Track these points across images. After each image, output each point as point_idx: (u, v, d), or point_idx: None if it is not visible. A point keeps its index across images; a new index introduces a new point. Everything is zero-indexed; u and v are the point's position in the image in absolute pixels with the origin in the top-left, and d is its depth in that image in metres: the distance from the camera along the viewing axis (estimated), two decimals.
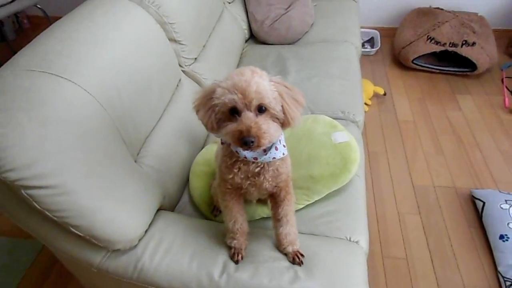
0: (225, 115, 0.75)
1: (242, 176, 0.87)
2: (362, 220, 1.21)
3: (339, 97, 1.67)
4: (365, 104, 2.30)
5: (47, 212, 0.81)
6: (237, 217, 0.93)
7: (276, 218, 0.97)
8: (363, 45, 2.84)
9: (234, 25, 2.02)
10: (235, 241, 0.94)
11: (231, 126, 0.73)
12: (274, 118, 0.76)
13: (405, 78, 2.58)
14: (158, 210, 1.09)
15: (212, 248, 0.98)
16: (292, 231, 0.97)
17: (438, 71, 2.57)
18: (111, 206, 0.89)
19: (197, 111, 0.80)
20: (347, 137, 1.28)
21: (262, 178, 0.87)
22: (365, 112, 2.28)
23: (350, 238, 1.13)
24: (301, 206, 1.19)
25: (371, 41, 2.92)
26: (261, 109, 0.73)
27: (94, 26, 1.07)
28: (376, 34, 2.92)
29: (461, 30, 2.41)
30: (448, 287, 1.42)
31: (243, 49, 2.09)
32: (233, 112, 0.74)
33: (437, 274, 1.47)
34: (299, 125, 0.78)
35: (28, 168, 0.76)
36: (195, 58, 1.60)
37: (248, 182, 0.88)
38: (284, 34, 2.08)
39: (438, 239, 1.59)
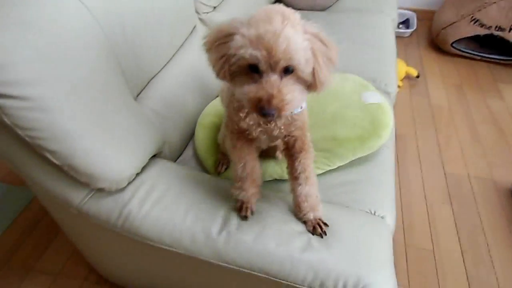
0: (242, 68, 0.62)
1: (251, 122, 0.73)
2: (390, 195, 1.04)
3: (370, 65, 1.48)
4: None
5: (18, 130, 0.67)
6: (247, 160, 0.77)
7: (294, 176, 0.81)
8: (397, 26, 2.63)
9: None
10: (243, 192, 0.78)
11: (249, 89, 0.60)
12: (301, 80, 0.63)
13: (442, 63, 2.36)
14: (155, 157, 0.95)
15: (211, 202, 0.83)
16: (313, 192, 0.80)
17: (479, 57, 2.34)
18: (96, 134, 0.74)
19: (208, 50, 0.66)
20: (380, 98, 1.10)
21: (273, 125, 0.73)
22: None
23: (374, 212, 0.96)
24: (320, 172, 1.03)
25: (406, 23, 2.70)
26: (287, 70, 0.60)
27: None
28: (412, 16, 2.69)
29: (510, 13, 2.17)
30: (481, 286, 1.23)
31: None
32: (253, 69, 0.60)
33: (468, 271, 1.28)
34: (324, 88, 0.65)
35: None
36: (214, 7, 1.45)
37: (260, 129, 0.74)
38: None
39: (471, 233, 1.40)
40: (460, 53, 2.36)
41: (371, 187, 1.02)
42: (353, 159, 1.04)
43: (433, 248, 1.34)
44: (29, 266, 1.26)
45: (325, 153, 1.02)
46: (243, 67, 0.61)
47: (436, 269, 1.28)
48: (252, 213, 0.79)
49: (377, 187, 1.03)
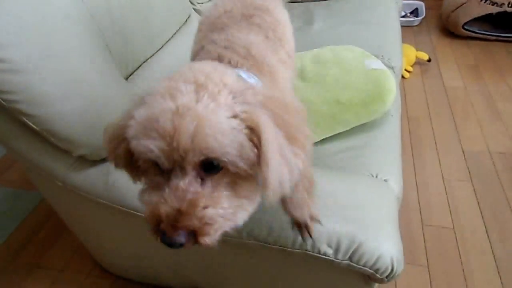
0: (150, 166, 0.43)
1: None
2: (395, 160, 0.98)
3: (372, 41, 1.42)
4: (406, 70, 2.03)
5: None
6: None
7: None
8: (405, 16, 2.57)
9: None
10: None
11: (148, 198, 0.42)
12: (242, 178, 0.41)
13: (455, 47, 2.26)
14: None
15: None
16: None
17: (494, 38, 2.24)
18: (76, 100, 0.73)
19: (115, 166, 0.49)
20: (383, 66, 1.05)
21: None
22: (404, 78, 2.02)
23: (376, 176, 0.90)
24: (319, 138, 0.98)
25: (414, 13, 2.64)
26: (211, 166, 0.40)
27: None
28: (421, 5, 2.63)
29: None
30: (509, 264, 1.12)
31: None
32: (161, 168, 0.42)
33: (494, 248, 1.17)
34: (287, 191, 0.40)
35: None
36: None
37: None
38: None
39: (496, 210, 1.28)
40: (473, 35, 2.26)
41: (374, 152, 0.96)
42: (356, 124, 0.99)
43: (454, 226, 1.24)
44: (34, 263, 1.26)
45: (327, 118, 0.97)
46: (150, 164, 0.42)
47: (458, 247, 1.18)
48: None
49: (381, 152, 0.96)
